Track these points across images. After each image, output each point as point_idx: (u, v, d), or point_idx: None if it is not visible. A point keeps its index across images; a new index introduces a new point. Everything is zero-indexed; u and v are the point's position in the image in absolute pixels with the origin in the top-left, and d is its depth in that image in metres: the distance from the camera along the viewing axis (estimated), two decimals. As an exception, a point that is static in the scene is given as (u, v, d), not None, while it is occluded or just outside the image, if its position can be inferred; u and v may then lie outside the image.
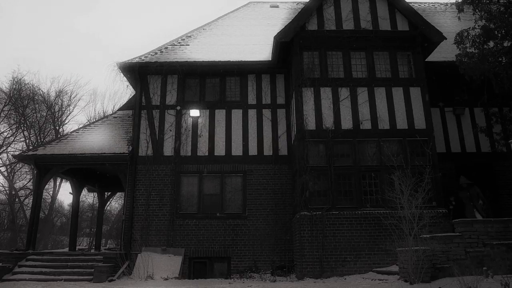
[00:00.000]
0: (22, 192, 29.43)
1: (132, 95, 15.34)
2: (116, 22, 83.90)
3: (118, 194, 24.95)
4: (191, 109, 13.14)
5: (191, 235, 12.09)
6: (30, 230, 12.83)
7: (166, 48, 14.21)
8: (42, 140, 27.61)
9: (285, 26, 12.13)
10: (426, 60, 12.51)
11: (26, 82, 28.57)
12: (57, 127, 29.36)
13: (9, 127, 27.39)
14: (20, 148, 27.58)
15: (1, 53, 57.90)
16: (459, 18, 11.21)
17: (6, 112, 26.36)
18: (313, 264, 10.21)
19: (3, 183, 28.78)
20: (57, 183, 29.71)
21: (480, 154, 12.97)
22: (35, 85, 39.32)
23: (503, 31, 10.37)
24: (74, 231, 15.50)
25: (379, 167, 11.06)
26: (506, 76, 10.07)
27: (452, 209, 10.63)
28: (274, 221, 12.23)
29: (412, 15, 12.10)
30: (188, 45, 14.48)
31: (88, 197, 31.82)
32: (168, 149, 12.87)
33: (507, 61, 10.27)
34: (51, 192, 30.02)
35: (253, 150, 12.83)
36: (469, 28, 10.96)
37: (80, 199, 17.52)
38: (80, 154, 12.72)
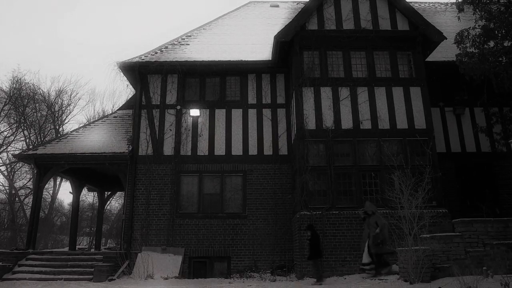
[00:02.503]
0: (22, 191, 29.44)
1: (132, 94, 15.35)
2: (116, 22, 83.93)
3: (118, 193, 24.94)
4: (191, 108, 13.14)
5: (191, 235, 12.10)
6: (30, 229, 12.84)
7: (166, 47, 14.21)
8: (42, 139, 27.61)
9: (285, 26, 12.13)
10: (426, 60, 12.51)
11: (27, 81, 28.65)
12: (57, 127, 29.38)
13: (9, 126, 27.42)
14: (20, 148, 27.61)
15: (1, 53, 57.91)
16: (459, 18, 11.22)
17: (6, 111, 26.38)
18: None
19: (3, 183, 28.84)
20: (57, 183, 29.75)
21: (480, 154, 12.97)
22: (35, 84, 39.34)
23: (503, 31, 10.38)
24: (74, 231, 15.51)
25: (379, 166, 11.06)
26: (506, 76, 10.08)
27: (308, 241, 9.68)
28: (274, 220, 12.23)
29: (412, 14, 12.09)
30: (188, 44, 14.48)
31: (88, 196, 31.86)
32: (168, 149, 12.87)
33: (507, 61, 10.27)
34: (51, 192, 30.05)
35: (253, 150, 12.83)
36: (469, 28, 10.97)
37: (80, 199, 17.52)
38: (80, 153, 12.72)
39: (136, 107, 13.32)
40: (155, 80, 13.48)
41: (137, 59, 13.30)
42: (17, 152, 20.85)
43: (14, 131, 27.68)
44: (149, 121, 13.06)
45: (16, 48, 64.79)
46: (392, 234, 8.95)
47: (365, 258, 9.28)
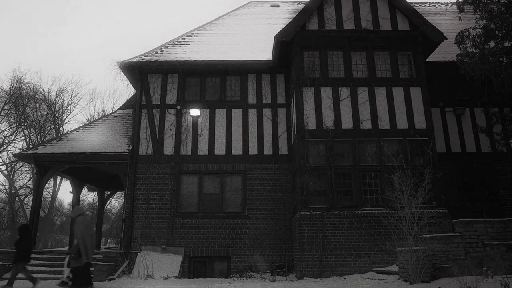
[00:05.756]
0: (22, 191, 29.48)
1: (132, 94, 15.37)
2: (116, 21, 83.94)
3: (118, 193, 24.96)
4: (192, 108, 13.14)
5: (191, 234, 12.10)
6: (30, 228, 12.82)
7: (166, 47, 14.21)
8: (42, 139, 27.63)
9: (286, 26, 12.13)
10: (427, 60, 12.51)
11: (27, 81, 28.70)
12: (58, 126, 29.41)
13: (10, 126, 27.45)
14: (20, 147, 27.67)
15: (1, 52, 57.93)
16: (459, 18, 11.21)
17: (7, 110, 26.41)
18: (313, 264, 10.22)
19: (3, 182, 28.87)
20: (57, 182, 29.79)
21: (480, 154, 12.98)
22: (36, 84, 39.44)
23: (503, 31, 10.37)
24: (74, 230, 15.48)
25: (379, 167, 11.05)
26: (506, 76, 10.08)
27: (17, 243, 9.31)
28: (274, 220, 12.23)
29: (413, 14, 12.09)
30: (189, 44, 14.48)
31: (88, 196, 31.91)
32: (168, 148, 12.87)
33: (507, 61, 10.28)
34: (51, 191, 30.08)
35: (253, 150, 12.83)
36: (470, 28, 10.97)
37: (80, 198, 17.52)
38: (80, 153, 12.72)
39: (136, 106, 13.32)
40: (155, 79, 13.48)
41: (137, 58, 13.30)
42: (17, 152, 20.86)
43: (14, 130, 27.74)
44: (149, 121, 13.06)
45: (16, 47, 64.85)
46: (392, 234, 8.95)
47: (68, 272, 8.49)
